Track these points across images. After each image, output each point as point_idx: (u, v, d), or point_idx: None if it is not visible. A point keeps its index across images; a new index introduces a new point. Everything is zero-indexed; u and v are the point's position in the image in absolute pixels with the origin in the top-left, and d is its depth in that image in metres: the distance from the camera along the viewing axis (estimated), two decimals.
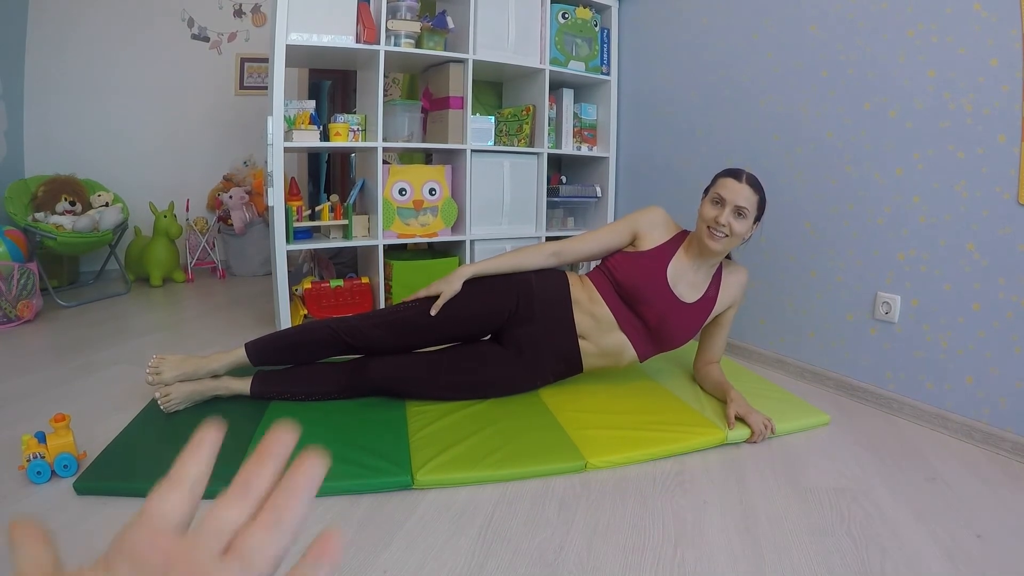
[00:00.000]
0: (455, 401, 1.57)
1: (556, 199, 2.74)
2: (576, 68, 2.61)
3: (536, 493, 1.22)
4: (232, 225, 3.52)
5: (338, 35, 2.12)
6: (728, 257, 1.69)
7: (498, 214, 2.55)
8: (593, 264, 1.77)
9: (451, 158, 2.52)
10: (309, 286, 2.32)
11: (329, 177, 3.73)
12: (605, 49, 2.69)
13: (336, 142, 2.20)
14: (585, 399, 1.63)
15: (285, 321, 2.18)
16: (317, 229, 2.36)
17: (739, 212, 1.48)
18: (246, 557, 0.23)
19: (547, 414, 1.53)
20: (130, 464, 1.23)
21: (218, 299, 3.00)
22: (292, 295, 2.32)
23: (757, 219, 1.53)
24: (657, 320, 1.58)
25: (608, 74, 2.71)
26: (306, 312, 2.31)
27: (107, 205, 3.04)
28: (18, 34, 3.23)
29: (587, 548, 1.04)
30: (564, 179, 2.91)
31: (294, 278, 2.44)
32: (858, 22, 1.75)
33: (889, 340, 1.73)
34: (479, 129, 2.44)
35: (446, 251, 2.64)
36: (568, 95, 2.69)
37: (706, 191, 1.56)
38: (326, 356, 1.60)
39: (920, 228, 1.64)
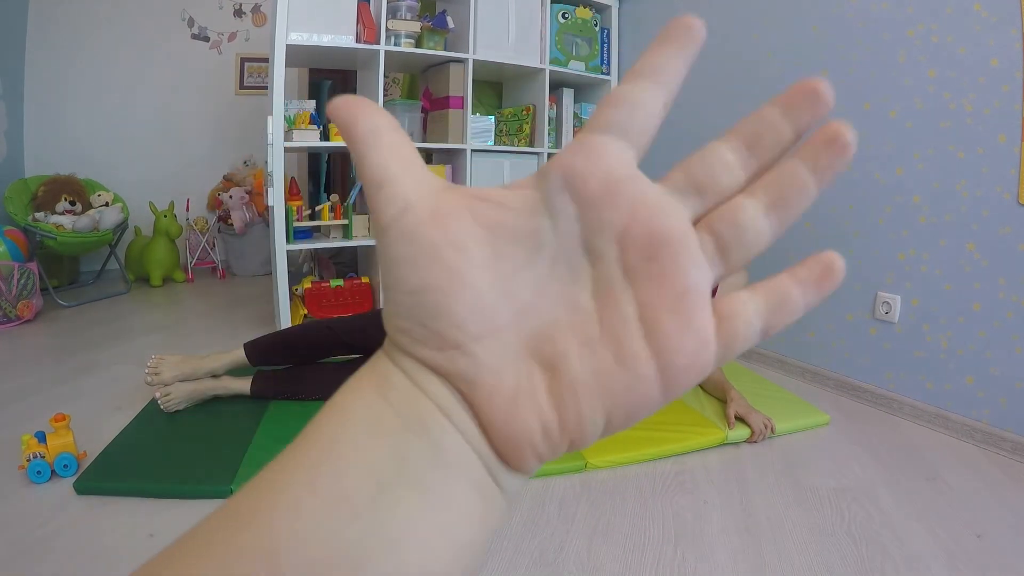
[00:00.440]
0: None
1: None
2: (576, 68, 2.61)
3: (536, 493, 1.22)
4: (232, 225, 3.52)
5: (338, 35, 2.12)
6: None
7: None
8: None
9: (451, 158, 2.52)
10: (309, 286, 2.32)
11: (329, 177, 3.73)
12: (605, 49, 2.69)
13: (336, 142, 2.20)
14: None
15: (285, 321, 2.18)
16: (317, 229, 2.36)
17: None
18: (735, 253, 0.17)
19: None
20: (130, 464, 1.23)
21: (218, 299, 3.00)
22: (292, 295, 2.32)
23: None
24: None
25: (608, 74, 2.71)
26: (306, 312, 2.31)
27: (107, 205, 3.04)
28: (18, 34, 3.23)
29: (587, 548, 1.04)
30: None
31: (294, 278, 2.44)
32: (858, 22, 1.75)
33: (889, 340, 1.73)
34: (479, 129, 2.44)
35: None
36: (568, 95, 2.69)
37: None
38: (326, 356, 1.60)
39: (920, 228, 1.64)
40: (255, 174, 3.70)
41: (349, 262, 3.13)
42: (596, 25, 2.65)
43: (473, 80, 2.40)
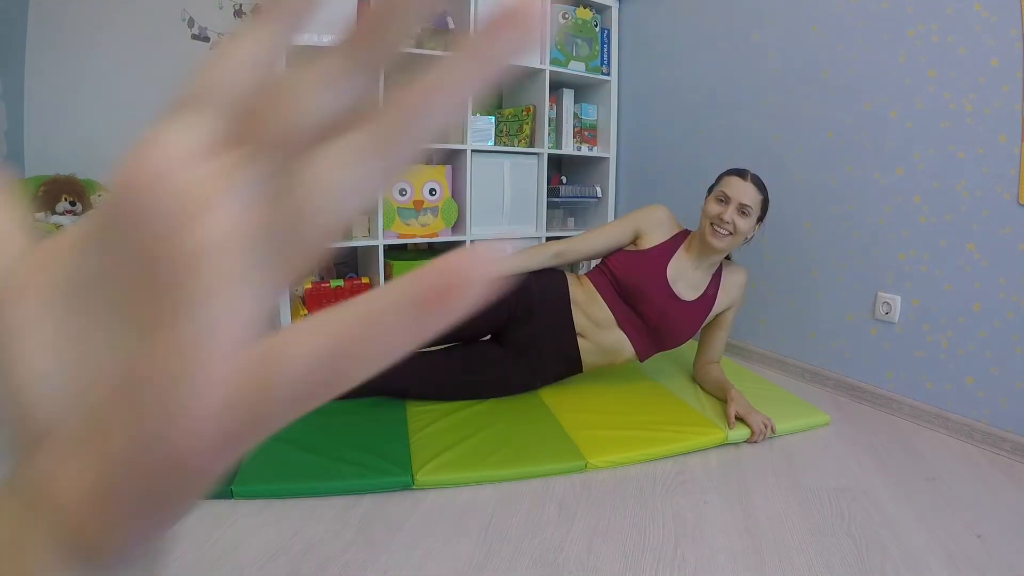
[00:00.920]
0: (455, 401, 1.58)
1: (556, 199, 2.73)
2: (576, 68, 2.61)
3: (536, 493, 1.22)
4: None
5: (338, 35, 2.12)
6: (728, 258, 1.69)
7: (498, 214, 2.55)
8: (593, 264, 1.77)
9: (451, 158, 2.52)
10: (309, 286, 2.32)
11: None
12: (605, 49, 2.69)
13: None
14: (585, 399, 1.63)
15: (285, 322, 2.18)
16: None
17: (743, 210, 1.48)
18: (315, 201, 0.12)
19: (547, 414, 1.53)
20: None
21: None
22: (292, 295, 2.32)
23: (760, 219, 1.54)
24: (657, 318, 1.58)
25: (608, 74, 2.71)
26: (306, 312, 2.31)
27: None
28: (18, 34, 3.23)
29: (587, 548, 1.04)
30: (564, 179, 2.91)
31: None
32: (858, 22, 1.75)
33: (889, 340, 1.73)
34: (479, 129, 2.44)
35: (446, 251, 2.64)
36: (568, 95, 2.69)
37: (710, 189, 1.57)
38: None
39: (920, 228, 1.64)
40: None
41: (349, 262, 3.12)
42: (596, 25, 2.65)
43: None
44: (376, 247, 2.31)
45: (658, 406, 1.60)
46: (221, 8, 3.74)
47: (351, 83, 0.13)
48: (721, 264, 1.64)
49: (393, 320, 0.12)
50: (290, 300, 2.21)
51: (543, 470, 1.29)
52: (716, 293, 1.62)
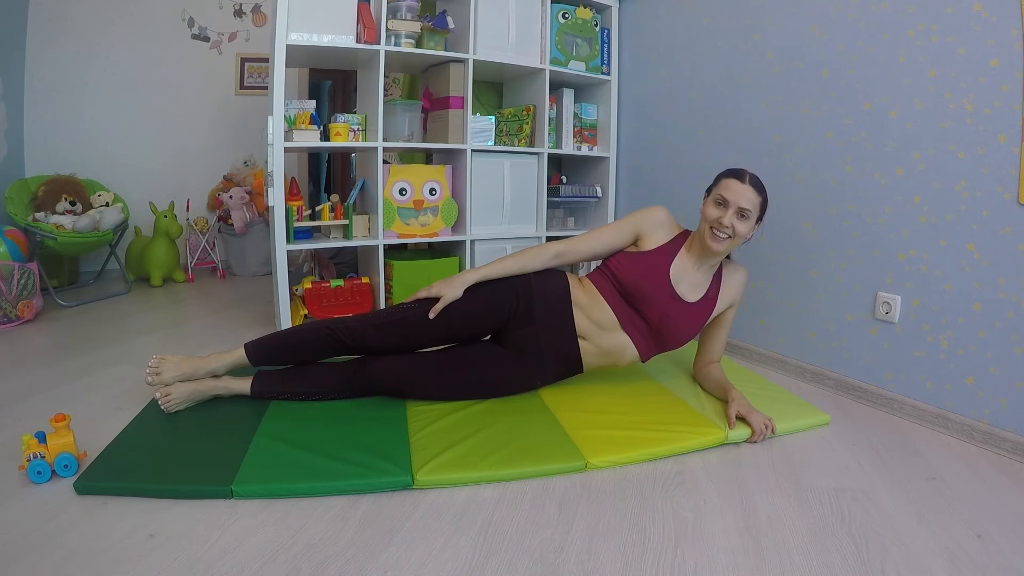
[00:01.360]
0: (455, 401, 1.57)
1: (556, 199, 2.73)
2: (576, 68, 2.61)
3: (536, 493, 1.22)
4: (232, 225, 3.52)
5: (338, 35, 2.12)
6: (728, 257, 1.69)
7: (498, 214, 2.55)
8: (593, 265, 1.77)
9: (451, 158, 2.52)
10: (309, 286, 2.32)
11: (329, 177, 3.74)
12: (605, 49, 2.69)
13: (336, 142, 2.20)
14: (585, 399, 1.63)
15: (285, 321, 2.18)
16: (317, 229, 2.36)
17: (742, 214, 1.48)
18: None
19: (547, 414, 1.53)
20: (130, 464, 1.23)
21: (218, 299, 3.00)
22: (292, 295, 2.32)
23: (759, 219, 1.53)
24: (659, 319, 1.58)
25: (608, 74, 2.71)
26: (306, 312, 2.31)
27: (107, 205, 3.04)
28: (18, 34, 3.23)
29: (587, 548, 1.04)
30: (564, 179, 2.91)
31: (294, 278, 2.44)
32: (858, 22, 1.75)
33: (889, 340, 1.73)
34: (479, 129, 2.44)
35: (446, 251, 2.64)
36: (568, 95, 2.69)
37: (708, 191, 1.56)
38: (326, 357, 1.60)
39: (920, 228, 1.64)
40: (255, 174, 3.70)
41: (349, 262, 3.13)
42: (596, 25, 2.65)
43: (473, 80, 2.40)
44: (376, 247, 2.31)
45: (658, 406, 1.60)
46: (221, 8, 3.74)
47: None
48: (721, 264, 1.64)
49: None
50: (290, 300, 2.21)
51: (543, 470, 1.29)
52: (717, 294, 1.62)
